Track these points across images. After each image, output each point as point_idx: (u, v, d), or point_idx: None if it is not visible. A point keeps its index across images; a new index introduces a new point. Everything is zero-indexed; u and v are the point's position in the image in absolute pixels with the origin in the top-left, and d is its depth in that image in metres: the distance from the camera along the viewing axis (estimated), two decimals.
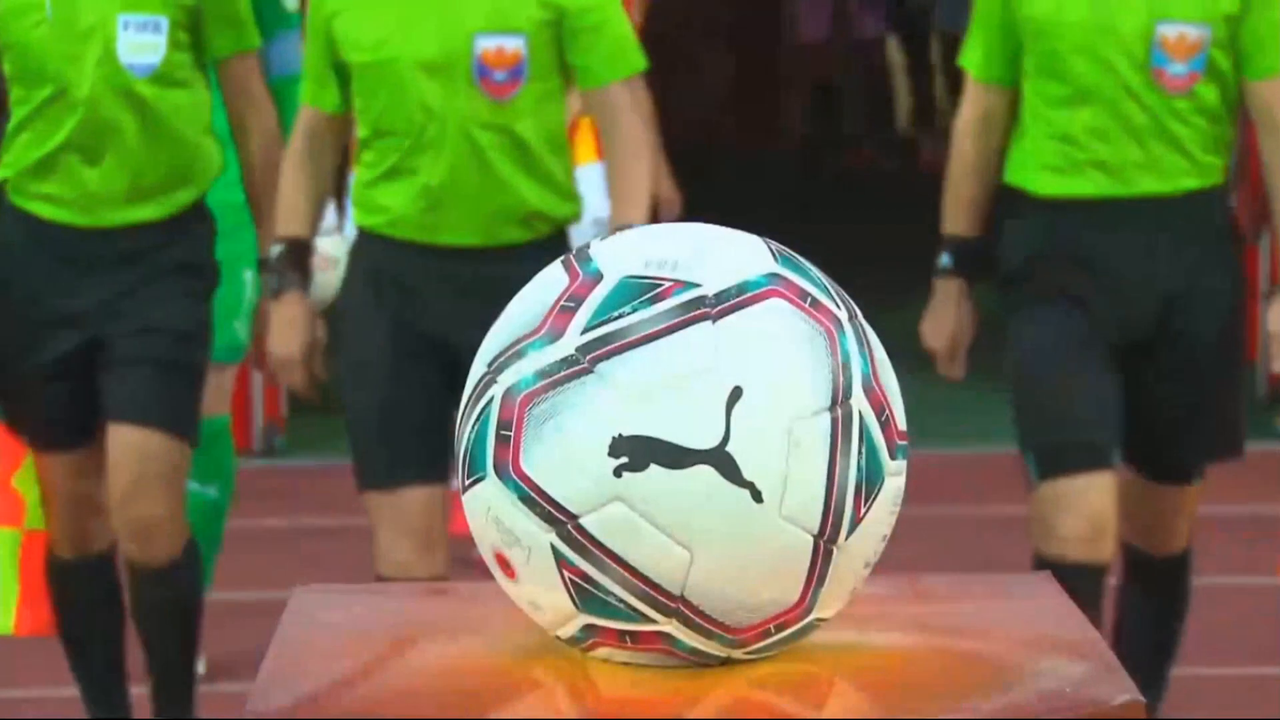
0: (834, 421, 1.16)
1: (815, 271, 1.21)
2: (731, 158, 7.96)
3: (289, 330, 3.19)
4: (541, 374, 1.15)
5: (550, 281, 1.19)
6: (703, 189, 6.16)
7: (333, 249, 3.65)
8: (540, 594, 1.19)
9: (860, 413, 1.17)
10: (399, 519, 3.13)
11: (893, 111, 8.71)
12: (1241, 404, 3.45)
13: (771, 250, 1.19)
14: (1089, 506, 3.18)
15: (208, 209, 3.41)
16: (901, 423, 1.21)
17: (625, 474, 1.14)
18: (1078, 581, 2.89)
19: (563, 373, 1.15)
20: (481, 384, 1.19)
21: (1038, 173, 3.32)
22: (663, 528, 1.15)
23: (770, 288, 1.17)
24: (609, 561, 1.15)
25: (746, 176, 8.13)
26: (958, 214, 3.31)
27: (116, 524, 3.35)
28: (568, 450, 1.15)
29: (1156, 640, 3.61)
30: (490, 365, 1.18)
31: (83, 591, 3.41)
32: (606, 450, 1.15)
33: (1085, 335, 3.29)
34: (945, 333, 3.30)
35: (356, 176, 3.23)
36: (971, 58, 3.39)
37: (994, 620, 1.39)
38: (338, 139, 3.32)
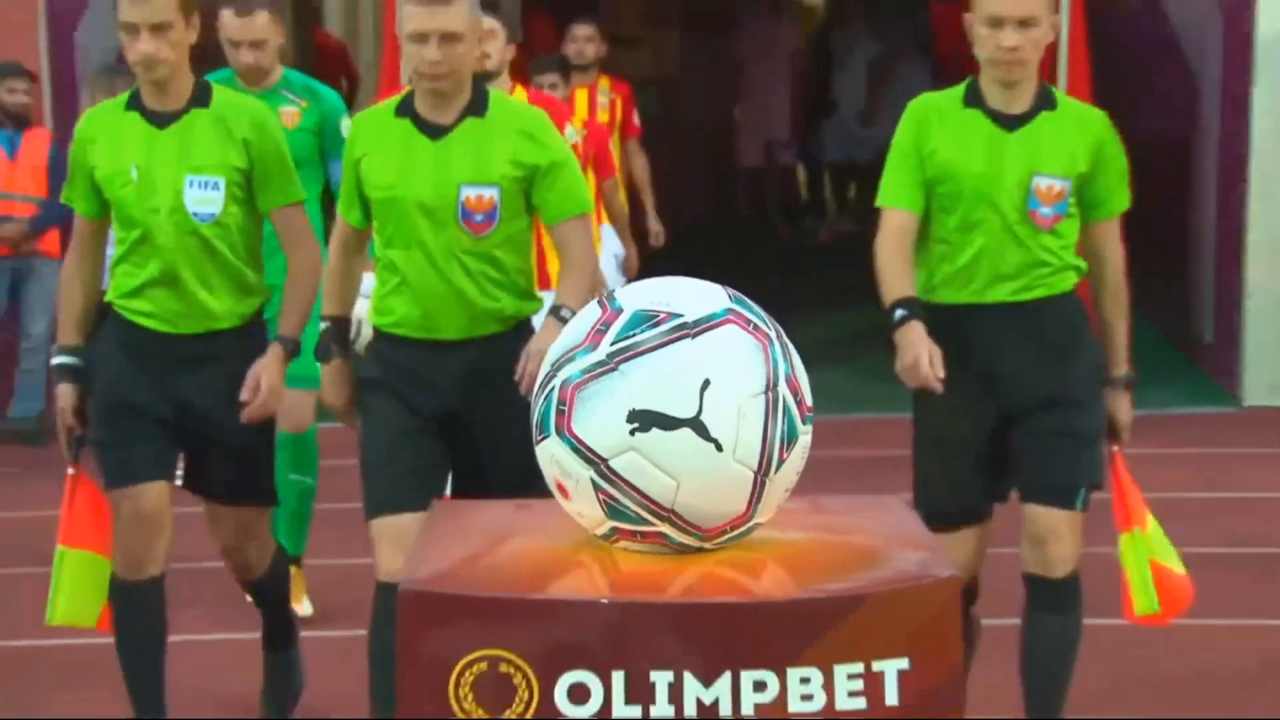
0: (767, 401, 1.78)
1: (755, 306, 1.83)
2: (696, 232, 10.61)
3: (333, 387, 3.88)
4: (585, 371, 1.76)
5: (589, 314, 1.81)
6: (679, 252, 7.65)
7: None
8: (583, 508, 1.83)
9: (784, 395, 1.80)
10: (397, 538, 3.58)
11: (800, 208, 13.04)
12: (1100, 447, 3.96)
13: (727, 293, 1.82)
14: (962, 552, 3.72)
15: (264, 317, 4.06)
16: (809, 401, 1.84)
17: (637, 434, 1.75)
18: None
19: (597, 370, 1.76)
20: (547, 377, 1.81)
21: (935, 286, 3.83)
22: (660, 467, 1.76)
23: (727, 317, 1.80)
24: (626, 488, 1.77)
25: (708, 244, 10.40)
26: (895, 285, 3.79)
27: (226, 563, 4.14)
28: (601, 419, 1.76)
29: (1059, 658, 3.96)
30: (553, 365, 1.80)
31: (136, 607, 4.03)
32: (625, 419, 1.75)
33: (973, 408, 3.82)
34: (921, 360, 3.83)
35: (375, 289, 3.84)
36: (888, 190, 3.89)
37: (866, 525, 2.03)
38: (363, 246, 3.92)
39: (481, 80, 3.77)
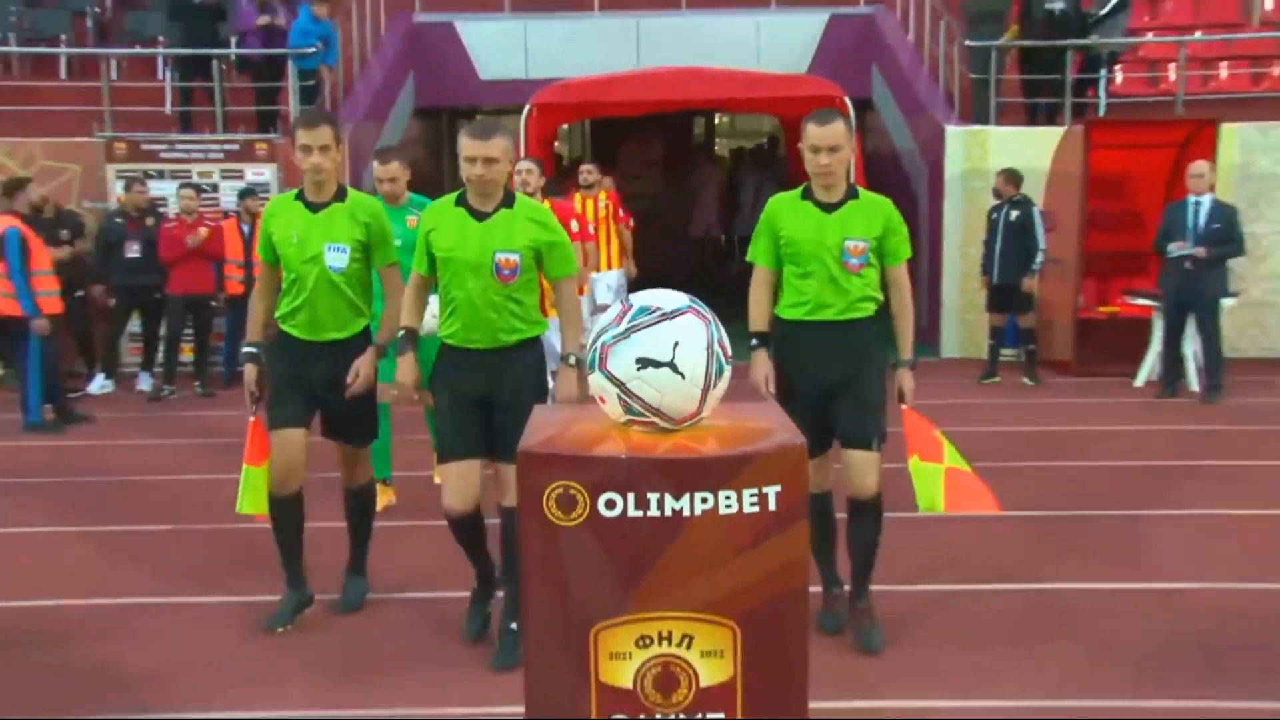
0: (709, 353, 3.09)
1: (702, 304, 3.16)
2: (666, 270, 14.00)
3: (407, 372, 5.10)
4: (614, 336, 3.08)
5: (616, 308, 3.13)
6: (657, 281, 10.19)
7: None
8: (613, 409, 3.12)
9: (717, 350, 3.11)
10: (452, 480, 5.05)
11: (721, 258, 20.83)
12: (884, 413, 5.17)
13: (688, 298, 3.15)
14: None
15: (370, 330, 5.43)
16: (730, 353, 3.15)
17: (640, 370, 3.06)
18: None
19: (620, 337, 3.07)
20: (596, 340, 3.11)
21: (786, 309, 5.15)
22: (652, 387, 3.06)
23: (689, 309, 3.13)
24: (635, 399, 3.07)
25: (672, 277, 14.64)
26: (756, 320, 5.16)
27: (344, 480, 5.68)
28: (622, 362, 3.06)
29: (867, 547, 5.25)
30: (596, 334, 3.11)
31: (286, 511, 5.49)
32: (634, 362, 3.06)
33: (807, 387, 5.06)
34: (759, 380, 5.13)
35: (439, 316, 5.09)
36: (756, 252, 5.23)
37: (757, 418, 3.25)
38: (429, 287, 5.16)
39: (508, 188, 5.05)
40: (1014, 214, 11.80)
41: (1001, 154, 13.00)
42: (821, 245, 5.07)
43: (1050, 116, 13.84)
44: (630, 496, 2.90)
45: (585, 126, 19.86)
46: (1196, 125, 12.24)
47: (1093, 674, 5.04)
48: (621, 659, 2.97)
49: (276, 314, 5.43)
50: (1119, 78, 14.42)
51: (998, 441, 9.23)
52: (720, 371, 3.14)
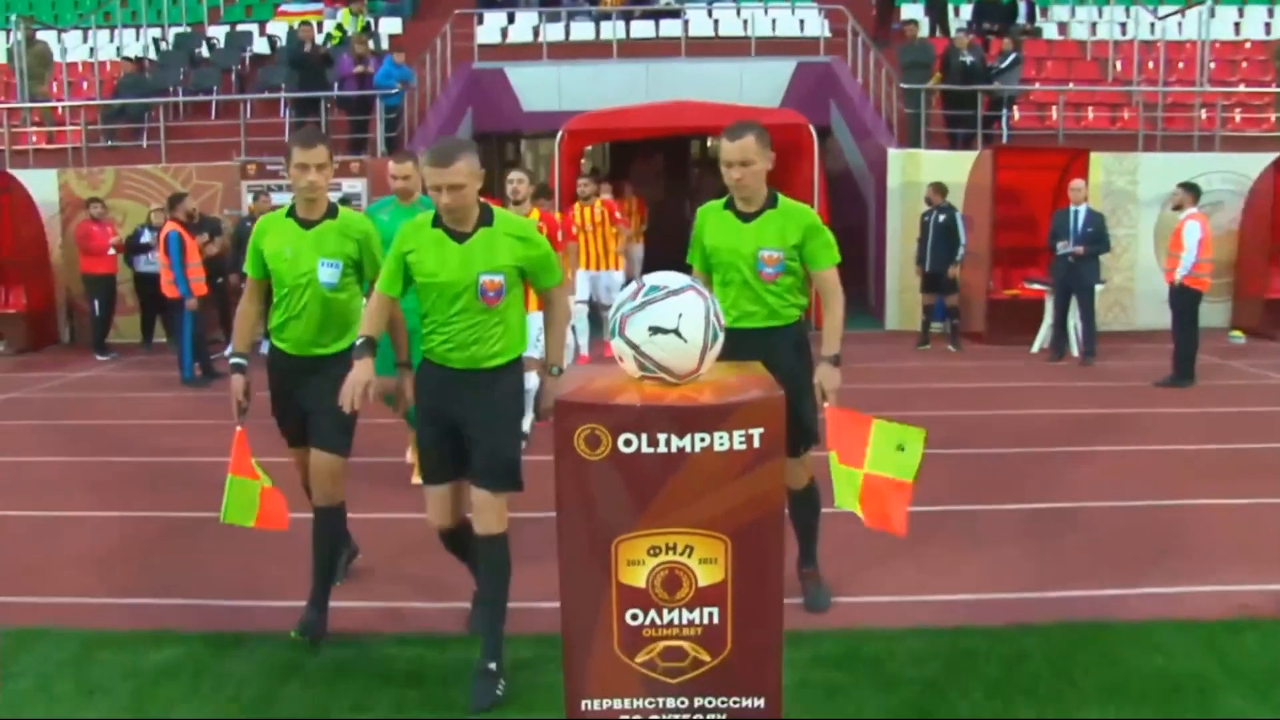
0: (707, 321, 2.98)
1: (700, 282, 3.06)
2: (668, 258, 14.79)
3: (363, 374, 3.72)
4: (631, 309, 2.96)
5: (632, 287, 3.02)
6: (662, 265, 10.80)
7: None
8: (630, 367, 3.01)
9: (713, 319, 3.00)
10: (434, 502, 3.87)
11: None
12: (812, 414, 4.18)
13: (689, 278, 3.03)
14: None
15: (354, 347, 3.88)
16: (724, 321, 3.04)
17: (651, 335, 2.95)
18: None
19: (635, 309, 2.95)
20: (616, 312, 2.99)
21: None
22: (661, 349, 2.95)
23: (690, 287, 3.01)
24: (646, 358, 2.96)
25: (674, 262, 14.50)
26: None
27: (314, 493, 4.29)
28: (637, 329, 2.95)
29: (808, 527, 4.51)
30: (618, 309, 2.99)
31: (324, 522, 4.25)
32: (647, 329, 2.95)
33: None
34: None
35: (422, 333, 3.83)
36: (693, 256, 4.34)
37: (744, 375, 3.14)
38: (395, 305, 3.90)
39: (485, 203, 3.76)
40: (941, 217, 11.79)
41: (931, 171, 12.94)
42: (738, 254, 4.18)
43: (967, 143, 13.90)
44: (644, 436, 2.83)
45: (606, 147, 19.69)
46: (1073, 153, 12.48)
47: (1011, 574, 4.91)
48: (636, 565, 2.92)
49: (269, 325, 4.41)
50: (1016, 115, 14.51)
51: (928, 395, 9.19)
52: (715, 338, 3.03)
